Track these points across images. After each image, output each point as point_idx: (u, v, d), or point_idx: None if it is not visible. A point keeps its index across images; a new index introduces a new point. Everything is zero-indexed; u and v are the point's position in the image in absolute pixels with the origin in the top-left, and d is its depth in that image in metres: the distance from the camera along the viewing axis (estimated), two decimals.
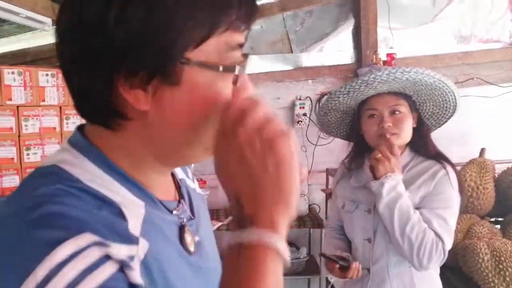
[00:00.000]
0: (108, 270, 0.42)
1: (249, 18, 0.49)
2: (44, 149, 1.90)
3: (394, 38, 2.85)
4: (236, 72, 0.50)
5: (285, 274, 1.83)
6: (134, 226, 0.48)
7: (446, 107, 1.40)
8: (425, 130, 1.41)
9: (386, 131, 1.30)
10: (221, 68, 0.48)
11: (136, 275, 0.44)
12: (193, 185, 0.71)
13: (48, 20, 1.93)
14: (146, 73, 0.45)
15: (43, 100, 1.87)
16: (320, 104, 1.46)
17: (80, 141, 0.52)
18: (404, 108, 1.33)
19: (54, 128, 1.92)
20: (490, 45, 2.95)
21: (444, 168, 1.31)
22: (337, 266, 1.34)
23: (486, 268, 1.65)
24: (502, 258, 1.63)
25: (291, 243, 2.72)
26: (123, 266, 0.43)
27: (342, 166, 1.54)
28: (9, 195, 0.50)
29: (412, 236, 1.23)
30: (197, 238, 0.60)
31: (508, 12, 2.96)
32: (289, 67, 2.83)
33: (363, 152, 1.44)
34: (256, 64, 2.77)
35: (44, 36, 2.57)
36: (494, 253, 1.66)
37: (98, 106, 0.48)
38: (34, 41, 2.60)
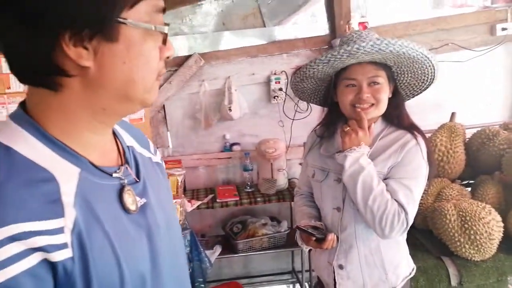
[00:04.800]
0: (25, 264, 0.48)
1: None
2: None
3: (367, 6, 2.82)
4: (165, 31, 0.59)
5: (268, 248, 1.90)
6: (67, 193, 0.55)
7: (424, 79, 1.40)
8: (400, 100, 1.40)
9: (363, 101, 1.30)
10: (153, 27, 0.57)
11: (61, 253, 0.51)
12: (149, 154, 0.79)
13: None
14: (89, 32, 0.53)
15: (9, 88, 1.85)
16: (297, 71, 1.41)
17: (18, 114, 0.59)
18: (382, 79, 1.32)
19: None
20: (463, 9, 2.93)
21: (415, 138, 1.32)
22: (313, 238, 1.36)
23: (453, 228, 1.70)
24: (468, 218, 1.67)
25: (272, 218, 2.76)
26: (47, 252, 0.50)
27: (313, 134, 1.53)
28: None
29: (374, 207, 1.26)
30: (142, 200, 0.67)
31: None
32: (263, 42, 2.80)
33: (336, 121, 1.44)
34: (229, 39, 2.74)
35: None
36: (461, 213, 1.70)
37: (41, 65, 0.54)
38: None
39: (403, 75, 1.40)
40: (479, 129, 2.24)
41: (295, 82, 1.45)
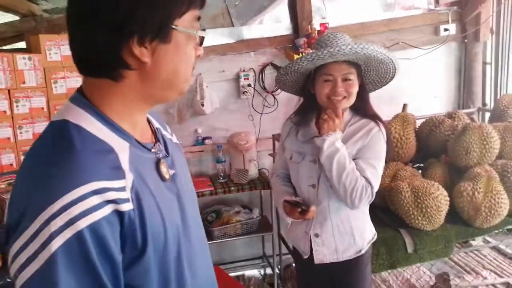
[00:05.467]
0: (103, 212, 0.62)
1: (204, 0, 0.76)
2: None
3: (326, 8, 3.06)
4: (204, 35, 0.76)
5: (241, 234, 2.10)
6: (124, 162, 0.69)
7: (385, 77, 1.65)
8: (366, 94, 1.64)
9: (338, 94, 1.51)
10: (195, 32, 0.74)
11: (126, 205, 0.66)
12: (169, 136, 0.94)
13: None
14: (151, 35, 0.68)
15: None
16: (284, 66, 1.61)
17: (79, 99, 0.73)
18: (353, 76, 1.54)
19: (5, 111, 1.95)
20: (411, 11, 3.25)
21: (378, 125, 1.57)
22: (299, 210, 1.57)
23: (407, 203, 1.96)
24: (419, 194, 1.93)
25: (244, 206, 2.94)
26: (116, 204, 0.64)
27: (289, 122, 1.73)
28: (34, 143, 0.69)
29: (347, 182, 1.48)
30: (172, 171, 0.82)
31: None
32: (231, 41, 2.96)
33: (311, 110, 1.65)
34: None
35: None
36: (414, 190, 1.96)
37: (111, 60, 0.69)
38: None
39: (369, 73, 1.63)
40: (427, 118, 2.54)
41: (280, 75, 1.66)
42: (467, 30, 3.25)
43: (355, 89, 1.54)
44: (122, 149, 0.70)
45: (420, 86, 3.23)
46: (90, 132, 0.68)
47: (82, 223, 0.60)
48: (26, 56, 2.03)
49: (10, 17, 2.48)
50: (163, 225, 0.73)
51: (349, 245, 1.61)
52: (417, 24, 3.21)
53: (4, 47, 2.49)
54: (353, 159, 1.54)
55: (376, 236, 1.70)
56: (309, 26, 2.90)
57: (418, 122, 2.57)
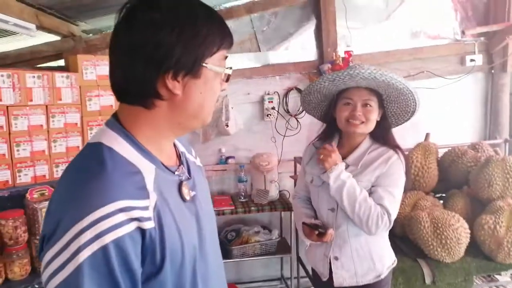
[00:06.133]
0: (127, 228, 0.68)
1: (232, 42, 0.83)
2: (33, 146, 2.05)
3: (351, 36, 3.12)
4: (230, 73, 0.84)
5: (260, 254, 2.14)
6: (149, 183, 0.75)
7: (407, 110, 1.67)
8: (387, 124, 1.67)
9: (356, 118, 1.56)
10: (223, 70, 0.81)
11: (148, 223, 0.70)
12: (193, 159, 1.00)
13: (33, 26, 2.07)
14: (185, 71, 0.76)
15: (31, 100, 2.02)
16: (308, 86, 1.68)
17: (113, 123, 0.80)
18: (374, 103, 1.58)
19: (41, 125, 2.07)
20: (437, 41, 3.28)
21: (397, 154, 1.60)
22: (316, 232, 1.61)
23: (427, 233, 1.95)
24: (439, 224, 1.93)
25: (264, 226, 2.97)
26: (140, 222, 0.69)
27: (311, 147, 1.78)
28: (72, 161, 0.77)
29: (360, 212, 1.52)
30: (193, 193, 0.87)
31: (452, 11, 3.29)
32: (258, 65, 3.06)
33: (332, 135, 1.71)
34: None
35: (24, 39, 2.69)
36: (433, 220, 1.95)
37: (147, 90, 0.76)
38: (13, 44, 2.72)
39: (390, 104, 1.67)
40: (449, 148, 2.53)
41: (304, 94, 1.73)
42: (494, 61, 3.24)
43: (373, 116, 1.58)
44: (148, 171, 0.77)
45: (445, 115, 3.22)
46: (120, 154, 0.75)
47: (108, 238, 0.65)
48: (64, 74, 2.16)
49: (51, 37, 2.65)
50: (181, 244, 0.77)
51: (368, 269, 1.62)
52: (443, 54, 3.23)
53: (45, 65, 2.66)
54: (372, 187, 1.57)
55: (396, 262, 1.70)
56: (334, 53, 2.97)
57: (441, 152, 2.57)
